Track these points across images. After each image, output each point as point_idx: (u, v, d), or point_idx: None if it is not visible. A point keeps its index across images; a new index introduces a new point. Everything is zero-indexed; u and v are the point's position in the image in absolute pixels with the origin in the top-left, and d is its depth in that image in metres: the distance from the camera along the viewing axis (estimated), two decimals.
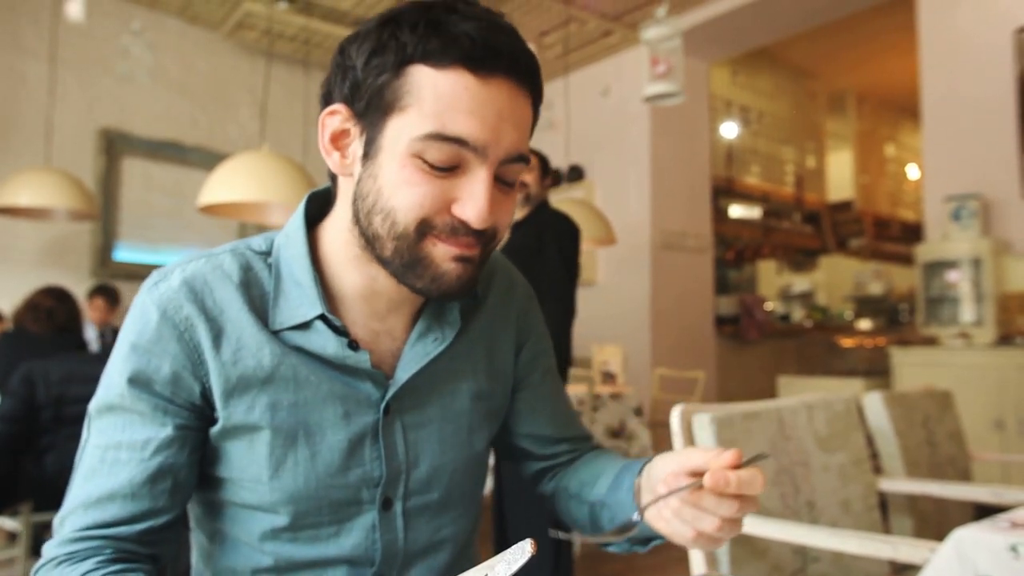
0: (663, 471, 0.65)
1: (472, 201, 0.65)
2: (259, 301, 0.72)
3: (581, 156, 5.48)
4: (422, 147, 0.63)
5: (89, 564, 0.65)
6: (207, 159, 4.84)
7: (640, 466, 0.75)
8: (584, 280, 5.43)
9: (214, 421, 0.71)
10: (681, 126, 5.32)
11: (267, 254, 0.75)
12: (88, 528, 0.68)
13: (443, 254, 0.67)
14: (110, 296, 4.13)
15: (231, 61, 5.24)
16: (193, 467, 0.72)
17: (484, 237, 0.68)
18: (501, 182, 0.68)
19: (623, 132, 5.29)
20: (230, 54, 5.23)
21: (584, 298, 5.45)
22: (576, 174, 5.51)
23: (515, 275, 0.90)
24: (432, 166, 0.64)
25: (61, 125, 4.45)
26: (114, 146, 4.70)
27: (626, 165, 5.28)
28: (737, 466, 0.59)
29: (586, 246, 4.19)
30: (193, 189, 4.00)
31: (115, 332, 4.09)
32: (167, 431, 0.69)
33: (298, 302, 0.72)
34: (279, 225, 4.46)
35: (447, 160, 0.64)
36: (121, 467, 0.68)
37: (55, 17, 4.40)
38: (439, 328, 0.78)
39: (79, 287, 4.02)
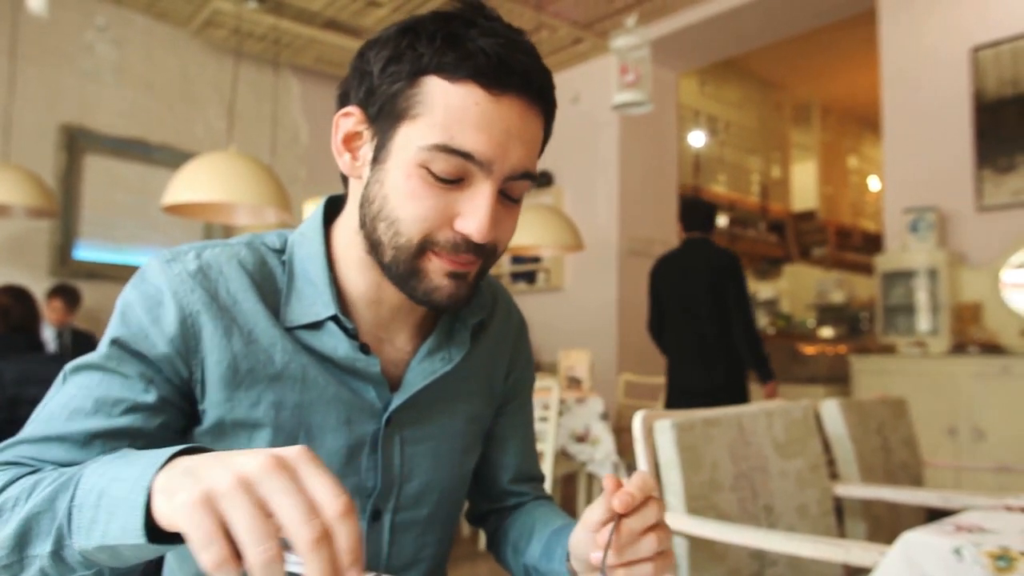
0: (580, 548, 0.66)
1: (474, 216, 0.64)
2: (272, 297, 0.71)
3: (550, 162, 5.51)
4: (428, 157, 0.63)
5: (20, 470, 0.60)
6: (173, 158, 4.77)
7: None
8: (552, 285, 5.46)
9: (196, 415, 0.69)
10: (649, 134, 5.38)
11: (280, 252, 0.75)
12: (24, 457, 0.63)
13: (438, 269, 0.67)
14: (69, 296, 4.03)
15: (199, 59, 5.17)
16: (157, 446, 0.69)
17: (484, 252, 0.68)
18: (506, 198, 0.68)
19: (592, 139, 5.34)
20: (198, 52, 5.16)
21: (551, 303, 5.51)
22: (545, 180, 5.54)
23: (512, 302, 0.92)
24: (437, 177, 0.64)
25: (20, 121, 4.35)
26: (76, 142, 4.61)
27: (595, 172, 5.33)
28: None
29: (554, 252, 4.22)
30: (158, 188, 3.94)
31: (74, 333, 3.99)
32: (148, 398, 0.66)
33: (311, 301, 0.71)
34: (244, 227, 4.43)
35: (452, 172, 0.64)
36: (83, 418, 0.63)
37: (16, 11, 4.30)
38: (447, 348, 0.78)
39: (37, 286, 3.92)
